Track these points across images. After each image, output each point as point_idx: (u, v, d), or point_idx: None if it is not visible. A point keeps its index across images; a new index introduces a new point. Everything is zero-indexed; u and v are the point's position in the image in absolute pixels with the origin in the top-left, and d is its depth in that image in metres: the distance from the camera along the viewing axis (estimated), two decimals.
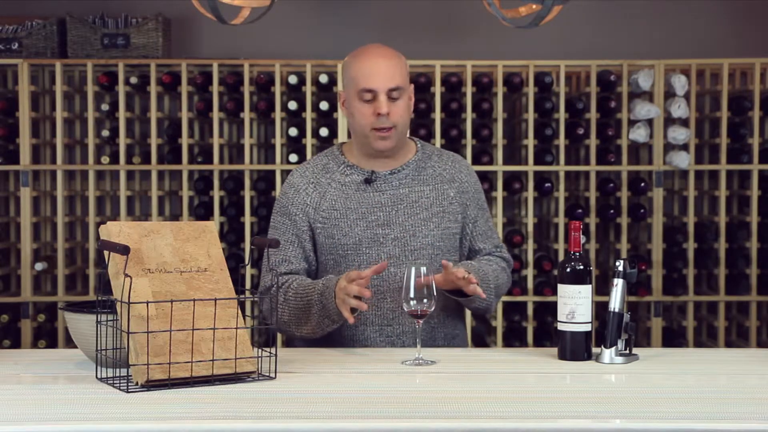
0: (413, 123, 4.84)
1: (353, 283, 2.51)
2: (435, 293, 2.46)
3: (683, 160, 4.79)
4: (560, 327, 2.49)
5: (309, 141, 4.83)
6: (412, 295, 2.43)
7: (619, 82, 4.85)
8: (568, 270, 2.48)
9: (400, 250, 2.75)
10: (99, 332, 2.25)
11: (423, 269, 2.45)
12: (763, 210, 4.94)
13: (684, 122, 4.92)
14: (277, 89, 4.83)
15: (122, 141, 4.87)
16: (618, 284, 2.49)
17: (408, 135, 2.92)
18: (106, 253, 2.24)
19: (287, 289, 2.73)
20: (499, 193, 4.83)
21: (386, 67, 2.72)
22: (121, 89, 4.84)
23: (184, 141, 4.86)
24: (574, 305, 2.46)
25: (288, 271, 2.78)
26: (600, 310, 2.91)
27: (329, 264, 2.79)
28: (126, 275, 2.18)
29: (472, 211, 2.87)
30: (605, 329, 2.47)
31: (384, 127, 2.72)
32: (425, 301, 2.43)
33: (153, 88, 4.84)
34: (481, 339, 4.91)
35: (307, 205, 2.80)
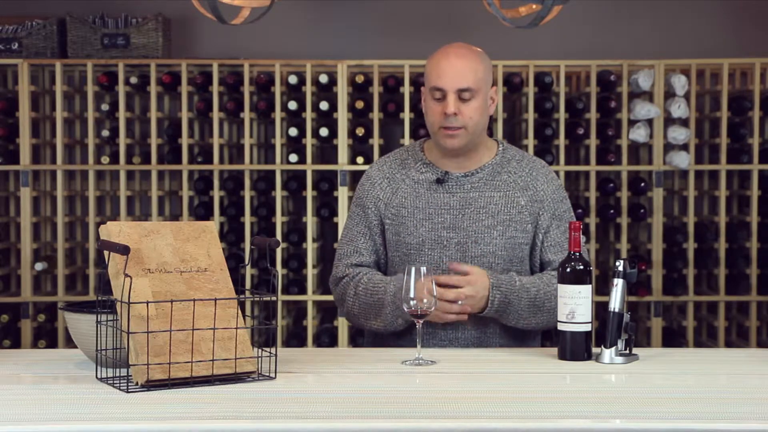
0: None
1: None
2: (435, 293, 2.46)
3: (683, 160, 4.79)
4: (560, 327, 2.48)
5: (309, 141, 4.83)
6: (411, 295, 2.43)
7: (619, 82, 4.84)
8: (568, 270, 2.48)
9: (461, 255, 2.72)
10: (99, 332, 2.25)
11: (423, 269, 2.44)
12: (763, 210, 4.94)
13: (684, 122, 4.92)
14: (277, 89, 4.83)
15: (122, 141, 4.87)
16: (618, 284, 2.48)
17: (494, 137, 2.89)
18: (106, 253, 2.24)
19: (358, 283, 2.75)
20: None
21: (458, 67, 2.67)
22: (121, 89, 4.84)
23: (184, 141, 4.85)
24: (574, 305, 2.46)
25: (358, 263, 2.79)
26: (600, 310, 2.91)
27: (395, 261, 2.79)
28: (126, 275, 2.18)
29: (545, 220, 2.77)
30: (605, 329, 2.47)
31: (452, 126, 2.68)
32: (425, 301, 2.43)
33: (153, 88, 4.84)
34: None
35: (379, 199, 2.81)
